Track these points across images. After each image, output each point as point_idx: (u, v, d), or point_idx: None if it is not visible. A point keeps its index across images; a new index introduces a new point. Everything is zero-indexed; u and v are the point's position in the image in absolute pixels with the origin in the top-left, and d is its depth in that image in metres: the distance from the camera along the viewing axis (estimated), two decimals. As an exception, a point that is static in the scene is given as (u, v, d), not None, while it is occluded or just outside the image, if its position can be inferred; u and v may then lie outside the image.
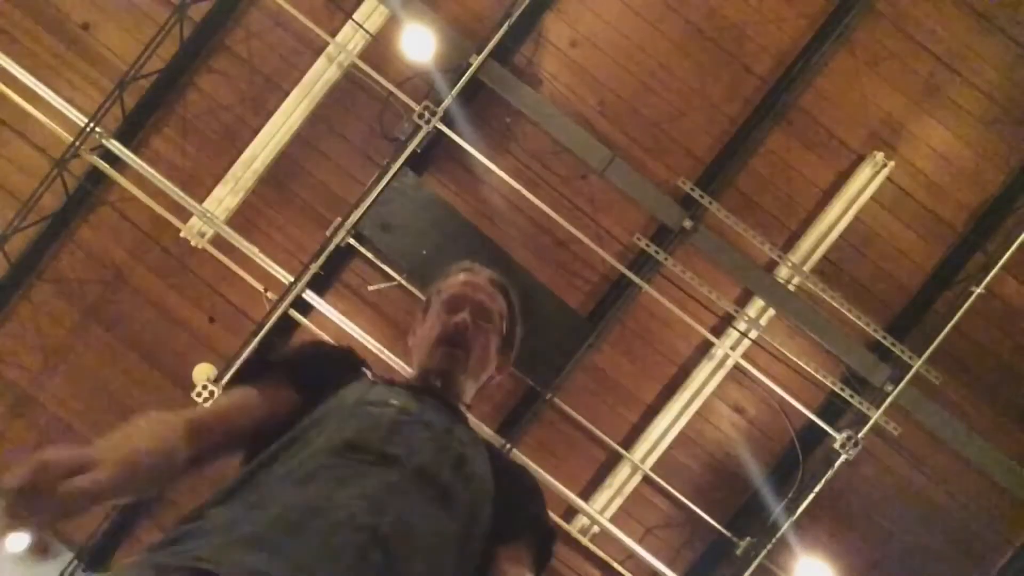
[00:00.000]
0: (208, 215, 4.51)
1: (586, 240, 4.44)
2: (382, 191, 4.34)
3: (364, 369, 1.47)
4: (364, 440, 1.16)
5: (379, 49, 4.63)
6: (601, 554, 4.65)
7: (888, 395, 4.27)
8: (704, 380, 4.67)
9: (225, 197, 4.68)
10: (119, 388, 4.78)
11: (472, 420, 1.45)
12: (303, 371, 1.37)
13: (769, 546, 4.33)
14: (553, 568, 4.25)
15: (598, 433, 4.64)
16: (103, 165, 4.50)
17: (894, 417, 4.30)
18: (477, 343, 1.48)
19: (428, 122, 4.26)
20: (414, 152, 4.34)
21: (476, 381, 1.53)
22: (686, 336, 4.70)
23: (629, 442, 4.73)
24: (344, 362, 1.46)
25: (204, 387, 4.34)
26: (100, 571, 4.74)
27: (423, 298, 1.63)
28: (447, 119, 4.36)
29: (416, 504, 1.10)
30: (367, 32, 4.59)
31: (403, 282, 4.54)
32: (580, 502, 4.59)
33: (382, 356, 4.45)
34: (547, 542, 1.35)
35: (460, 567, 1.14)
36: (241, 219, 4.70)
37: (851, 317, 4.41)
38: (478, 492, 1.23)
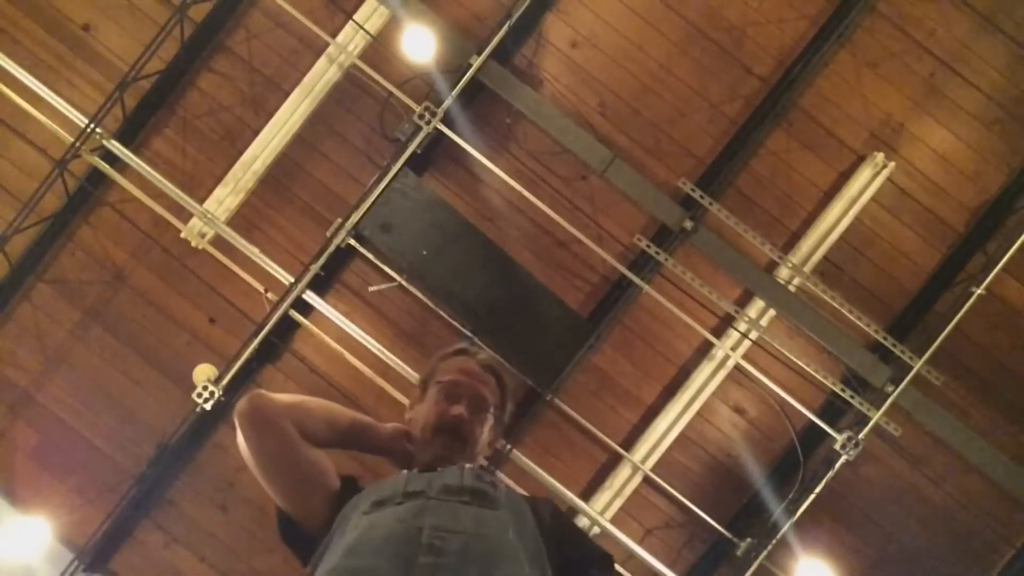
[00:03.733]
0: (208, 216, 4.51)
1: (586, 241, 4.44)
2: (382, 192, 4.34)
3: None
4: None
5: (379, 50, 4.63)
6: (601, 555, 4.64)
7: (889, 396, 4.27)
8: (704, 381, 4.67)
9: (225, 198, 4.68)
10: (119, 388, 4.78)
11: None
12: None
13: (769, 547, 4.33)
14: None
15: (598, 434, 4.64)
16: (103, 166, 4.50)
17: (894, 418, 4.30)
18: (473, 434, 1.60)
19: (428, 123, 4.26)
20: (414, 153, 4.34)
21: (473, 460, 1.63)
22: (686, 337, 4.70)
23: (629, 443, 4.73)
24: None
25: (204, 387, 4.34)
26: (100, 571, 4.74)
27: (420, 376, 1.75)
28: (447, 120, 4.36)
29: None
30: (367, 33, 4.59)
31: (403, 283, 4.54)
32: (580, 503, 4.59)
33: (382, 356, 4.45)
34: (606, 566, 1.47)
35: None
36: (241, 220, 4.70)
37: (851, 318, 4.41)
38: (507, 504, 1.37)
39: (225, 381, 4.38)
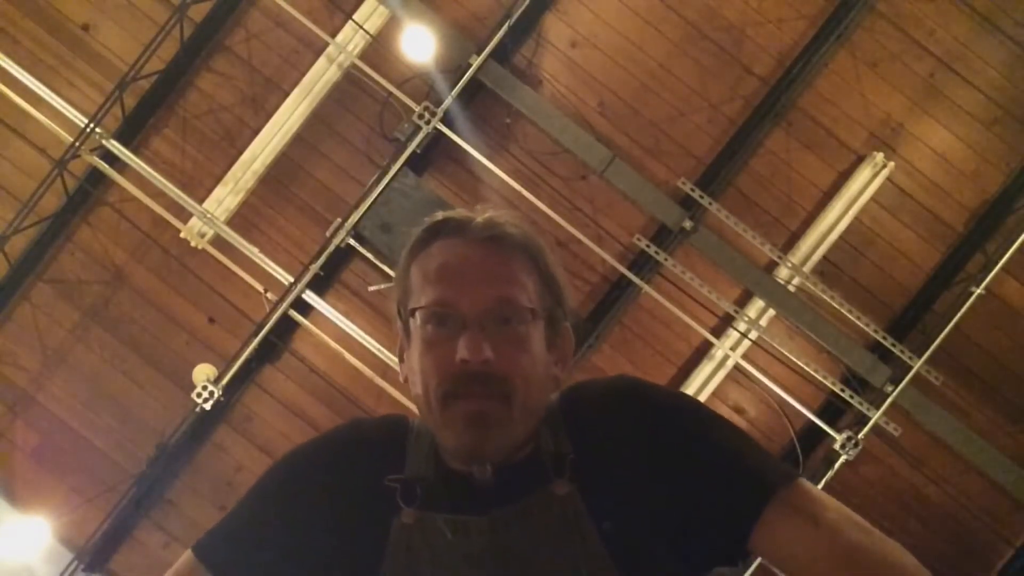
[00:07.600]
0: (208, 216, 4.51)
1: (586, 241, 4.44)
2: (382, 191, 4.34)
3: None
4: None
5: (379, 50, 4.63)
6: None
7: (888, 395, 4.27)
8: (704, 381, 4.67)
9: (225, 198, 4.68)
10: (119, 388, 4.78)
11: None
12: None
13: (769, 546, 4.32)
14: None
15: (598, 433, 4.64)
16: (103, 166, 4.49)
17: (894, 417, 4.30)
18: (510, 371, 0.94)
19: (428, 123, 4.26)
20: (414, 152, 4.34)
21: (533, 414, 0.99)
22: (686, 337, 4.70)
23: (629, 442, 4.72)
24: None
25: (204, 387, 4.34)
26: (100, 571, 4.74)
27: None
28: (447, 120, 4.35)
29: None
30: (367, 33, 4.59)
31: (403, 282, 4.54)
32: (580, 502, 4.59)
33: (382, 356, 4.45)
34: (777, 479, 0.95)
35: None
36: (241, 220, 4.70)
37: (851, 318, 4.41)
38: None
39: (224, 381, 4.38)
